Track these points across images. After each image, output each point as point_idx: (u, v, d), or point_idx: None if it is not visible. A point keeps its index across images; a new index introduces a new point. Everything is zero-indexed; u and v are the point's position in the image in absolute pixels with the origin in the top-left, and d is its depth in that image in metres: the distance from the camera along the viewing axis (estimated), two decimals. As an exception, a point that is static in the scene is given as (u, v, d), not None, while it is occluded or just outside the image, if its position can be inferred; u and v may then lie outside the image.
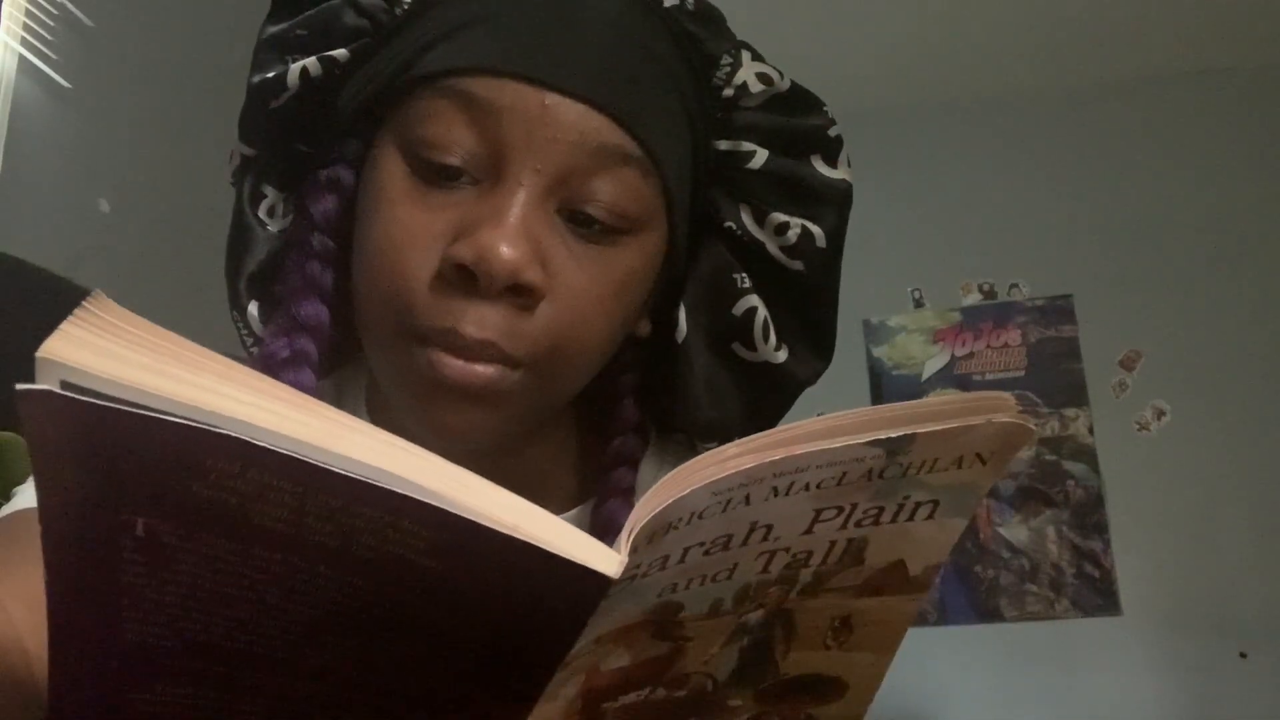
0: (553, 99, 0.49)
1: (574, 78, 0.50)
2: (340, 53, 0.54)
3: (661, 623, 0.34)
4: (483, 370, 0.49)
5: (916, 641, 3.02)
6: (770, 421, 0.61)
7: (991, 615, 3.01)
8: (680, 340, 0.58)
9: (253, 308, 0.57)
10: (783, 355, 0.59)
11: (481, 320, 0.48)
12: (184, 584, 0.28)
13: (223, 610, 0.29)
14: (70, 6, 1.65)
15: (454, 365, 0.49)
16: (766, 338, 0.58)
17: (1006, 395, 0.33)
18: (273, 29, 0.55)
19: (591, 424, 0.62)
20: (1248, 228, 3.10)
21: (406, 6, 0.54)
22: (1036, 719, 2.88)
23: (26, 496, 0.52)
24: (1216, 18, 2.96)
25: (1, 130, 1.50)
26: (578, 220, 0.51)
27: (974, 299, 3.24)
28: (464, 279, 0.48)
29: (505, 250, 0.47)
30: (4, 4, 1.51)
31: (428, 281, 0.49)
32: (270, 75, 0.54)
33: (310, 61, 0.54)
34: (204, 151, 1.74)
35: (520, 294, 0.49)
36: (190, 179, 1.83)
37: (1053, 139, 3.27)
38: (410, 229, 0.50)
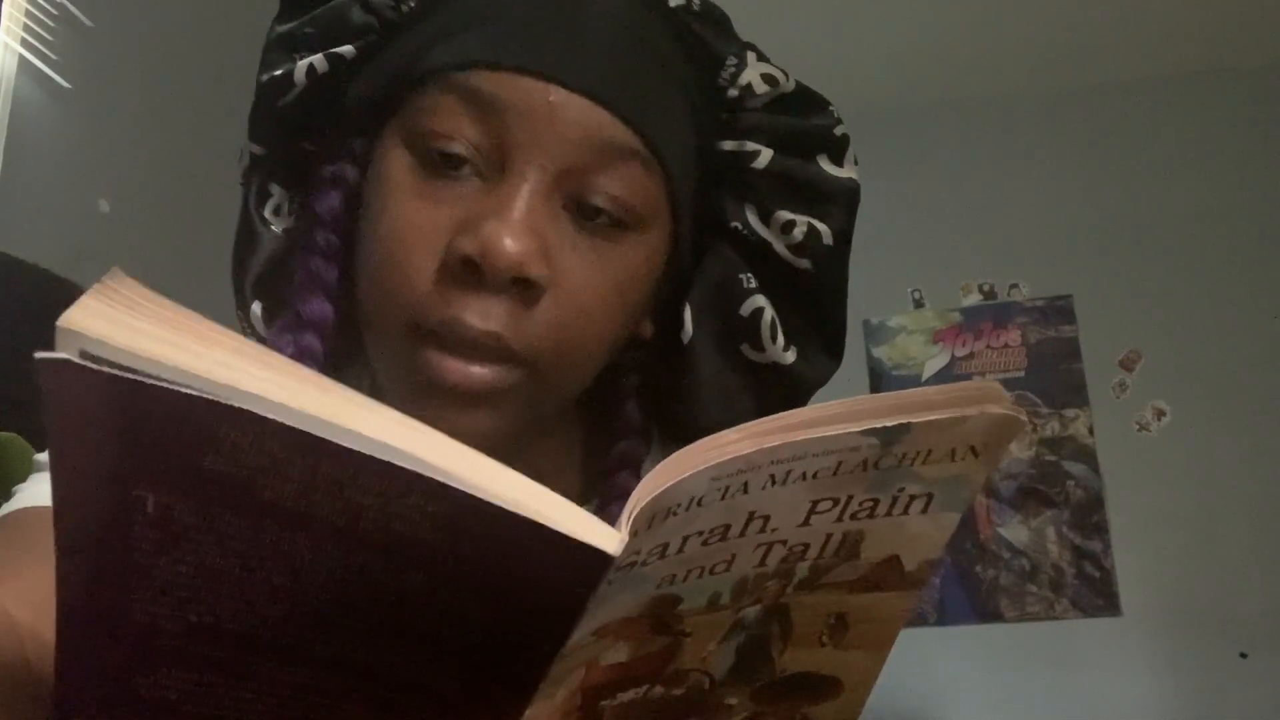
0: (558, 95, 0.49)
1: (579, 73, 0.50)
2: (347, 49, 0.54)
3: (660, 616, 0.34)
4: (480, 372, 0.49)
5: (916, 641, 3.03)
6: None
7: (991, 615, 3.01)
8: (686, 341, 0.58)
9: (256, 308, 0.57)
10: (791, 356, 0.59)
11: (485, 312, 0.49)
12: (192, 563, 0.28)
13: (230, 592, 0.29)
14: (70, 6, 1.65)
15: (454, 367, 0.49)
16: (775, 338, 0.58)
17: (996, 385, 0.33)
18: (281, 28, 0.56)
19: (596, 427, 0.62)
20: (1248, 228, 3.10)
21: (413, 4, 0.54)
22: (1036, 719, 2.88)
23: (26, 495, 0.52)
24: (1216, 18, 2.96)
25: (1, 130, 1.51)
26: (583, 213, 0.51)
27: (974, 299, 3.25)
28: (468, 272, 0.48)
29: (509, 243, 0.48)
30: (4, 4, 1.51)
31: (432, 275, 0.49)
32: (278, 73, 0.55)
33: (317, 58, 0.54)
34: (204, 152, 1.75)
35: (524, 287, 0.49)
36: (190, 179, 1.83)
37: (1053, 139, 3.27)
38: (415, 222, 0.50)
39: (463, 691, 0.33)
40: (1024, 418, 0.33)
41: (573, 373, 0.53)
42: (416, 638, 0.31)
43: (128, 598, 0.29)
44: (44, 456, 0.56)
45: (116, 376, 0.25)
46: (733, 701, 0.38)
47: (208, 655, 0.30)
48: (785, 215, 0.57)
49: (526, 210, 0.49)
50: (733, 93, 0.57)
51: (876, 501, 0.34)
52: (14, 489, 0.54)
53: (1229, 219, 3.11)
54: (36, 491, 0.52)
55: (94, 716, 0.31)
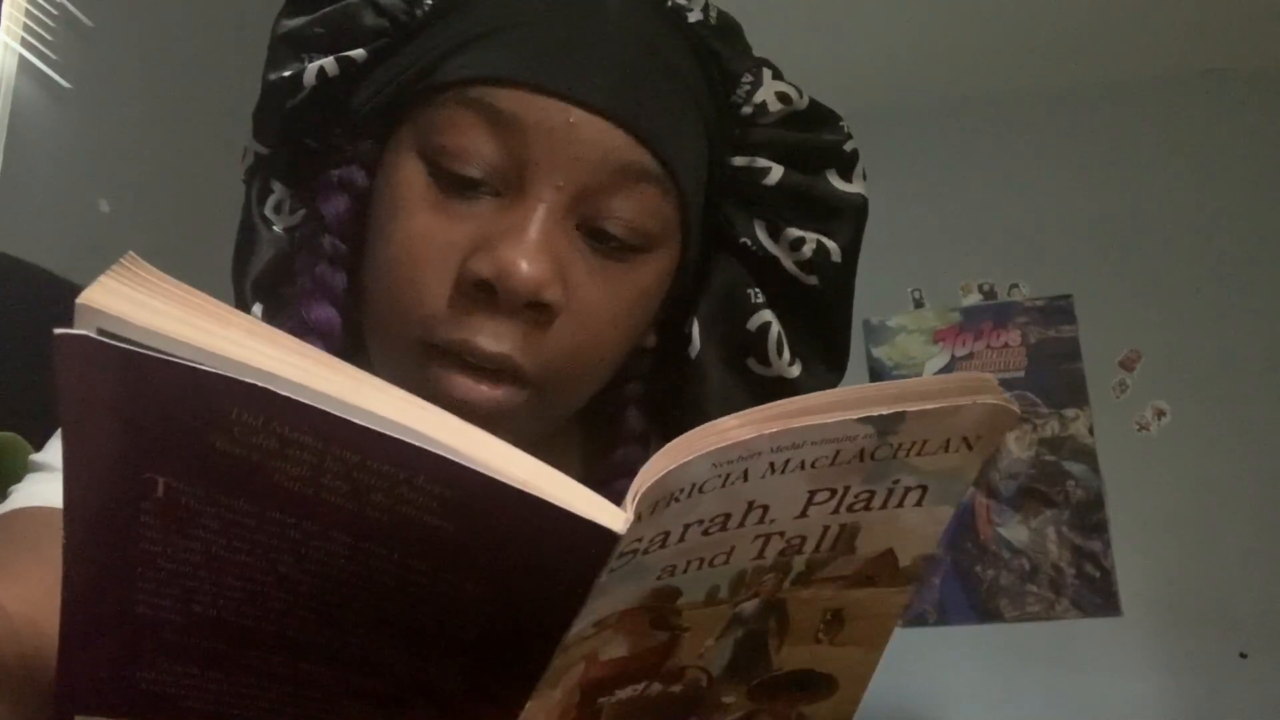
0: (578, 115, 0.49)
1: (598, 94, 0.50)
2: (359, 53, 0.54)
3: (659, 609, 0.34)
4: (489, 392, 0.49)
5: (916, 641, 3.02)
6: None
7: (991, 615, 3.01)
8: (694, 356, 0.58)
9: (256, 309, 0.57)
10: (796, 370, 0.59)
11: (498, 334, 0.49)
12: (198, 551, 0.29)
13: (234, 581, 0.29)
14: (70, 6, 1.65)
15: (462, 384, 0.49)
16: (780, 352, 0.58)
17: (989, 376, 0.33)
18: (289, 23, 0.55)
19: (595, 434, 0.62)
20: (1248, 228, 3.10)
21: (427, 8, 0.54)
22: (1036, 719, 2.88)
23: (22, 495, 0.52)
24: (1216, 18, 2.96)
25: (1, 130, 1.51)
26: (596, 237, 0.51)
27: (974, 299, 3.25)
28: (482, 293, 0.48)
29: (526, 267, 0.47)
30: (4, 4, 1.51)
31: (444, 293, 0.49)
32: (287, 74, 0.54)
33: (328, 62, 0.53)
34: (204, 152, 1.75)
35: (539, 310, 0.49)
36: (190, 179, 1.83)
37: (1053, 139, 3.27)
38: (428, 238, 0.50)
39: (464, 687, 0.33)
40: (1016, 408, 0.34)
41: (579, 392, 0.54)
42: (419, 631, 0.32)
43: (132, 588, 0.29)
44: (39, 457, 0.56)
45: (134, 353, 0.25)
46: (730, 699, 0.38)
47: (210, 649, 0.31)
48: (795, 232, 0.57)
49: (543, 232, 0.49)
50: (746, 110, 0.57)
51: (873, 493, 0.34)
52: (10, 489, 0.54)
53: (1229, 219, 3.11)
54: (33, 492, 0.52)
55: (94, 710, 0.31)
